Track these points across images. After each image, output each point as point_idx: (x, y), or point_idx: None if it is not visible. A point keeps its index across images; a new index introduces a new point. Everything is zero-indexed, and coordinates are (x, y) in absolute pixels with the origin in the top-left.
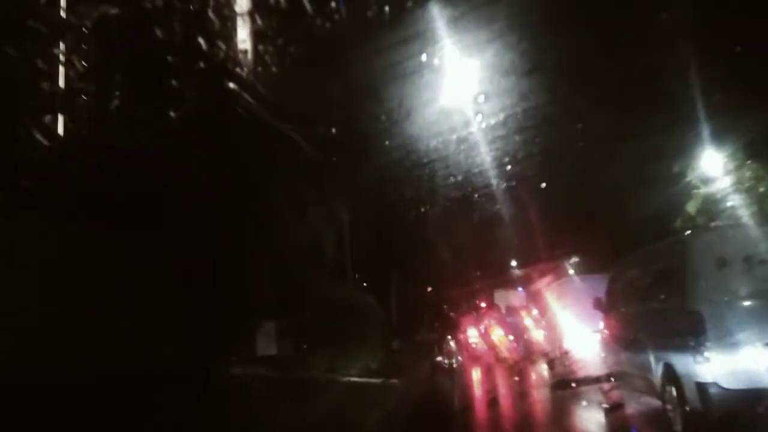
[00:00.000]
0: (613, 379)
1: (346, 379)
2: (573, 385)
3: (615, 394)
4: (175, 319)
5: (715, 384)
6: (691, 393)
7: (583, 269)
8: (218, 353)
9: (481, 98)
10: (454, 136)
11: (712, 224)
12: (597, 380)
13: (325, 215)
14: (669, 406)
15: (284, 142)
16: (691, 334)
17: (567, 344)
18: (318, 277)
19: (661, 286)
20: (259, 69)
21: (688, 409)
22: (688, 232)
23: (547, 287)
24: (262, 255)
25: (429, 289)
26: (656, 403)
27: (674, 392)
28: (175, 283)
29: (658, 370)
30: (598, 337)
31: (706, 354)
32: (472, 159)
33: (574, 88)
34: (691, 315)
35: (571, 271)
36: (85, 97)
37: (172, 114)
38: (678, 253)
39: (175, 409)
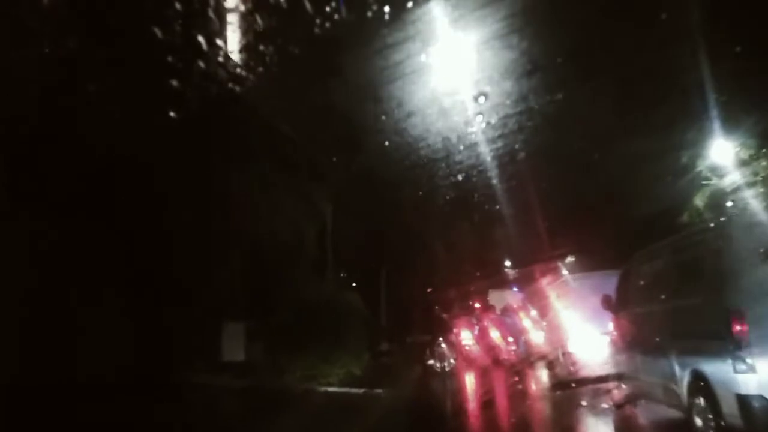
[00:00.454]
0: (617, 379)
1: (323, 388)
2: (573, 385)
3: (619, 394)
4: (124, 320)
5: (761, 397)
6: (728, 406)
7: (581, 268)
8: (176, 359)
9: (482, 99)
10: (454, 135)
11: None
12: (599, 380)
13: (306, 207)
14: (697, 420)
15: (259, 128)
16: (729, 336)
17: (571, 346)
18: (294, 274)
19: (690, 280)
20: (235, 51)
21: (723, 424)
22: (723, 218)
23: (548, 286)
24: (230, 249)
25: (429, 290)
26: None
27: (705, 404)
28: (125, 279)
29: (683, 379)
30: (606, 339)
31: (749, 361)
32: (470, 157)
33: (576, 82)
34: (730, 314)
35: (565, 271)
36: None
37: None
38: (713, 242)
39: (124, 425)
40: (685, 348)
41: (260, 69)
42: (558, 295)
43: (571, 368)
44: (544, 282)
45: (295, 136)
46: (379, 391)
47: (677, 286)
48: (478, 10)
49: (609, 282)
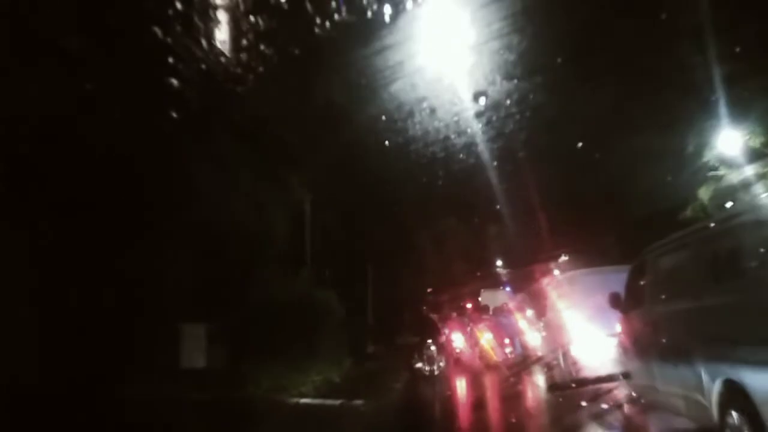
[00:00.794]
0: (620, 378)
1: (294, 400)
2: (573, 385)
3: (621, 394)
4: (61, 320)
5: None
6: None
7: (576, 267)
8: (123, 366)
9: (482, 99)
10: (452, 134)
11: None
12: (601, 380)
13: (281, 198)
14: None
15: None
16: None
17: (573, 349)
18: (265, 270)
19: (725, 275)
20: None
21: None
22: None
23: (548, 284)
24: (190, 241)
25: (429, 290)
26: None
27: (742, 420)
28: (63, 274)
29: (713, 389)
30: (614, 342)
31: None
32: (468, 156)
33: (576, 81)
34: None
35: (557, 271)
36: None
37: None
38: (757, 228)
39: None
40: (716, 353)
41: (259, 67)
42: (558, 294)
43: (572, 371)
44: (543, 281)
45: (268, 117)
46: (359, 402)
47: (707, 281)
48: (478, 10)
49: (613, 278)
